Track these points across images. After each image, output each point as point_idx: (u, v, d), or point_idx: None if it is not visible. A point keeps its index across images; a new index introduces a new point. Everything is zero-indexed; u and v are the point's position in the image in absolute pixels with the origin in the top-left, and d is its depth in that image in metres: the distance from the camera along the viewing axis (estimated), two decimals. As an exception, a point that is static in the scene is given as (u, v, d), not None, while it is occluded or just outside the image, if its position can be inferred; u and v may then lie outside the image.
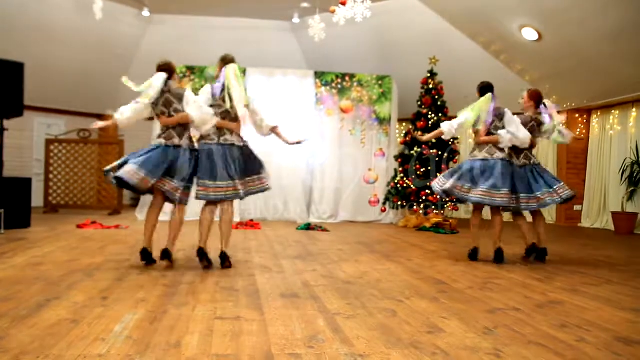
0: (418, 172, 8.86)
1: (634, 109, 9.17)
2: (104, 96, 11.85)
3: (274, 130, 4.70)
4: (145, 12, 10.43)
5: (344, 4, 7.72)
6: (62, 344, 2.36)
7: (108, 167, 4.35)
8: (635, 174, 8.88)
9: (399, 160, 9.25)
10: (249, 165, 4.51)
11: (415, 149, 8.94)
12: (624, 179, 9.08)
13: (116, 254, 5.09)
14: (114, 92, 11.79)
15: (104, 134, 11.45)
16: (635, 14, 6.94)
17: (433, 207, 8.70)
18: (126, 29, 10.74)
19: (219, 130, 4.44)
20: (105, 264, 4.50)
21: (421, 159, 8.89)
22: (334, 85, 9.92)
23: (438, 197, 8.66)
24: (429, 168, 8.80)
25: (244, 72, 9.68)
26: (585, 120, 10.09)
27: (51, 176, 10.13)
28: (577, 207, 10.07)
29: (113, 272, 4.16)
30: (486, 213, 5.63)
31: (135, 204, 10.80)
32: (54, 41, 9.97)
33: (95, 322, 2.73)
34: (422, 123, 9.04)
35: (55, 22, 9.70)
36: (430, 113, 9.07)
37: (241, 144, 4.51)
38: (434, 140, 8.89)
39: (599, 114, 9.88)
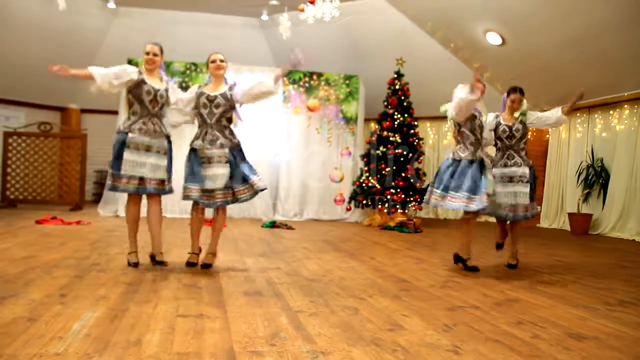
0: (383, 172, 8.95)
1: (590, 114, 9.49)
2: (66, 89, 11.55)
3: (276, 80, 4.52)
4: (111, 4, 10.19)
5: (312, 2, 7.74)
6: (18, 343, 2.30)
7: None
8: (590, 177, 9.19)
9: (365, 159, 9.33)
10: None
11: (381, 148, 9.03)
12: (580, 181, 9.39)
13: (77, 251, 4.98)
14: (77, 84, 11.51)
15: (66, 128, 11.17)
16: (595, 21, 7.19)
17: (397, 206, 8.81)
18: (90, 21, 10.47)
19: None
20: (64, 261, 4.41)
21: (386, 158, 8.98)
22: (301, 83, 9.93)
23: (402, 196, 8.77)
24: (394, 167, 8.90)
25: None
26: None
27: (9, 170, 9.81)
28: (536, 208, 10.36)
29: (73, 269, 4.08)
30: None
31: (97, 199, 10.58)
32: (14, 31, 9.65)
33: (52, 320, 2.67)
34: (388, 123, 9.14)
35: (16, 11, 9.38)
36: (396, 113, 9.17)
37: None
38: (399, 140, 9.02)
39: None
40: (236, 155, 4.37)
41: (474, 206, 4.43)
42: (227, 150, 4.30)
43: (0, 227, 6.70)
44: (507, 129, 4.97)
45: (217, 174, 4.25)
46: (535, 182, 5.06)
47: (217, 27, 10.98)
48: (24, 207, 9.71)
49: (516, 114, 5.04)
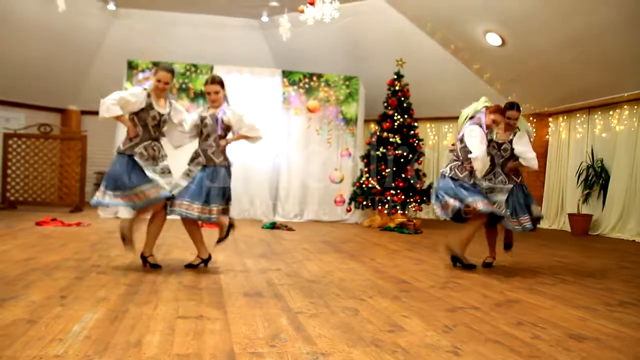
0: (383, 173, 8.95)
1: (590, 115, 9.49)
2: (67, 90, 11.57)
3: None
4: (111, 6, 10.20)
5: (312, 4, 7.74)
6: (18, 345, 2.30)
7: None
8: (590, 178, 9.19)
9: (365, 160, 9.33)
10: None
11: (381, 149, 9.03)
12: (580, 182, 9.39)
13: (77, 252, 4.98)
14: (77, 86, 11.55)
15: (66, 130, 11.16)
16: (595, 22, 7.19)
17: (397, 207, 8.81)
18: (90, 22, 10.47)
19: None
20: (65, 263, 4.41)
21: (386, 159, 8.99)
22: (301, 84, 9.94)
23: (402, 197, 8.77)
24: (394, 168, 8.90)
25: (211, 69, 9.61)
26: (548, 125, 10.38)
27: (9, 172, 9.82)
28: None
29: (73, 270, 4.08)
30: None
31: (97, 201, 10.56)
32: (14, 32, 9.65)
33: (53, 321, 2.67)
34: (388, 124, 9.14)
35: (15, 13, 9.39)
36: (396, 114, 9.17)
37: None
38: (399, 141, 9.02)
39: (559, 119, 10.18)
40: (210, 172, 4.31)
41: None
42: (199, 167, 4.32)
43: (1, 228, 6.71)
44: (496, 146, 4.94)
45: (180, 184, 4.32)
46: (525, 195, 4.98)
47: (217, 29, 10.98)
48: (24, 209, 9.71)
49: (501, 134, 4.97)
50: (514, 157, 4.94)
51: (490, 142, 4.92)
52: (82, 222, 7.74)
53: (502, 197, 4.87)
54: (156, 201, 4.23)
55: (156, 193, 4.19)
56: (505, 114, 4.89)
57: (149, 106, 4.26)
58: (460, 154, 4.83)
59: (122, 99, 4.18)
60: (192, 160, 4.40)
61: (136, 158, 4.21)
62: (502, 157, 4.95)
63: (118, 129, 8.94)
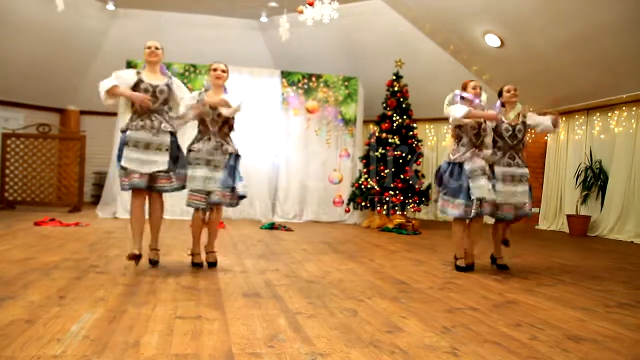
0: (382, 174, 8.95)
1: (589, 116, 9.51)
2: (66, 90, 11.56)
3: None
4: (110, 6, 10.20)
5: (311, 4, 7.75)
6: (16, 345, 2.30)
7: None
8: (588, 179, 9.20)
9: (364, 161, 9.33)
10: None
11: (380, 150, 9.03)
12: (578, 183, 9.40)
13: (75, 252, 4.98)
14: (76, 86, 11.53)
15: (65, 130, 11.15)
16: (594, 23, 7.20)
17: (396, 208, 8.81)
18: (90, 22, 10.47)
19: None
20: (63, 263, 4.40)
21: (385, 160, 8.99)
22: (300, 85, 9.94)
23: (401, 198, 8.77)
24: (393, 169, 8.91)
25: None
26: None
27: (7, 171, 9.81)
28: (535, 210, 10.37)
29: (72, 270, 4.07)
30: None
31: (96, 201, 10.57)
32: (12, 32, 9.65)
33: (51, 322, 2.67)
34: (387, 125, 9.14)
35: (15, 12, 9.39)
36: (395, 115, 9.18)
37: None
38: (398, 142, 9.02)
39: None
40: (233, 161, 4.42)
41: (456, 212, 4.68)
42: (226, 156, 4.37)
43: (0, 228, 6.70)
44: (511, 129, 4.93)
45: (215, 177, 4.30)
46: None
47: (216, 29, 10.98)
48: (22, 209, 9.70)
49: (512, 114, 4.99)
50: (524, 137, 5.00)
51: (500, 124, 4.93)
52: (81, 222, 7.73)
53: (523, 188, 4.86)
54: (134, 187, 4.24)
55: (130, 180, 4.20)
56: (504, 92, 5.04)
57: (140, 81, 4.30)
58: (454, 139, 4.90)
59: (115, 74, 4.29)
60: (217, 149, 4.34)
61: (130, 131, 4.23)
62: (516, 138, 4.92)
63: (117, 128, 8.93)
